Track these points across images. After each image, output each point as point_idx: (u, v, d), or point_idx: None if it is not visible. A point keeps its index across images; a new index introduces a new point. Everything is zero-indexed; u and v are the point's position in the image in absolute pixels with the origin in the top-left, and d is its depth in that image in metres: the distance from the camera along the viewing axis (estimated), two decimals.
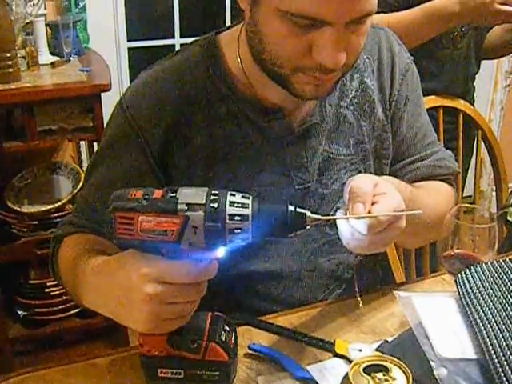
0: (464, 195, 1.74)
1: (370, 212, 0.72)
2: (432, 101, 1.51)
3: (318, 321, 0.93)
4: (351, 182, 0.75)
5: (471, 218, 0.96)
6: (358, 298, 0.95)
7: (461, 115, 1.57)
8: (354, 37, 0.78)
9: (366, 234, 0.72)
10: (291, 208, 0.67)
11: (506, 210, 1.12)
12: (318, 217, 0.69)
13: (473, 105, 1.66)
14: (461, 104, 1.58)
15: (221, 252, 0.68)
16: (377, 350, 0.84)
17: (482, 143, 1.62)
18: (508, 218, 1.13)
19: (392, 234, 0.75)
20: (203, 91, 0.91)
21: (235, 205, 0.65)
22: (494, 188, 1.63)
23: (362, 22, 0.77)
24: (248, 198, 0.67)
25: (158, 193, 0.67)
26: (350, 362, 0.81)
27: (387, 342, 0.86)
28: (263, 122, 0.92)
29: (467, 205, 0.97)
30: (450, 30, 1.49)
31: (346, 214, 0.74)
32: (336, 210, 0.97)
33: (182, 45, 2.48)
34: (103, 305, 0.74)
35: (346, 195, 0.75)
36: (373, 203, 0.73)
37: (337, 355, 0.85)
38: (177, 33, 2.48)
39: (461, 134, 1.57)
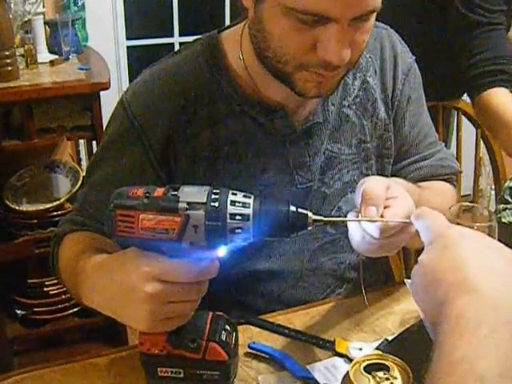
0: (462, 194, 1.74)
1: (382, 216, 0.72)
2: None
3: (318, 320, 0.93)
4: (363, 184, 0.74)
5: (471, 216, 0.96)
6: (365, 299, 0.93)
7: (460, 114, 1.57)
8: (357, 34, 0.78)
9: (377, 237, 0.72)
10: (292, 208, 0.66)
11: (499, 215, 1.13)
12: (320, 217, 0.68)
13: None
14: (460, 103, 1.58)
15: (222, 251, 0.67)
16: (377, 348, 0.84)
17: (482, 142, 1.62)
18: (503, 221, 1.15)
19: (403, 238, 0.74)
20: (205, 90, 0.91)
21: (236, 204, 0.65)
22: (493, 186, 1.63)
23: (366, 18, 0.78)
24: (249, 198, 0.66)
25: (159, 191, 0.67)
26: (351, 360, 0.81)
27: (387, 340, 0.86)
28: (266, 120, 0.92)
29: (467, 203, 0.97)
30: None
31: (357, 217, 0.73)
32: (338, 210, 0.98)
33: (181, 43, 2.48)
34: (103, 303, 0.74)
35: (358, 197, 0.74)
36: (385, 207, 0.73)
37: (337, 354, 0.84)
38: (176, 31, 2.48)
39: (461, 133, 1.57)
